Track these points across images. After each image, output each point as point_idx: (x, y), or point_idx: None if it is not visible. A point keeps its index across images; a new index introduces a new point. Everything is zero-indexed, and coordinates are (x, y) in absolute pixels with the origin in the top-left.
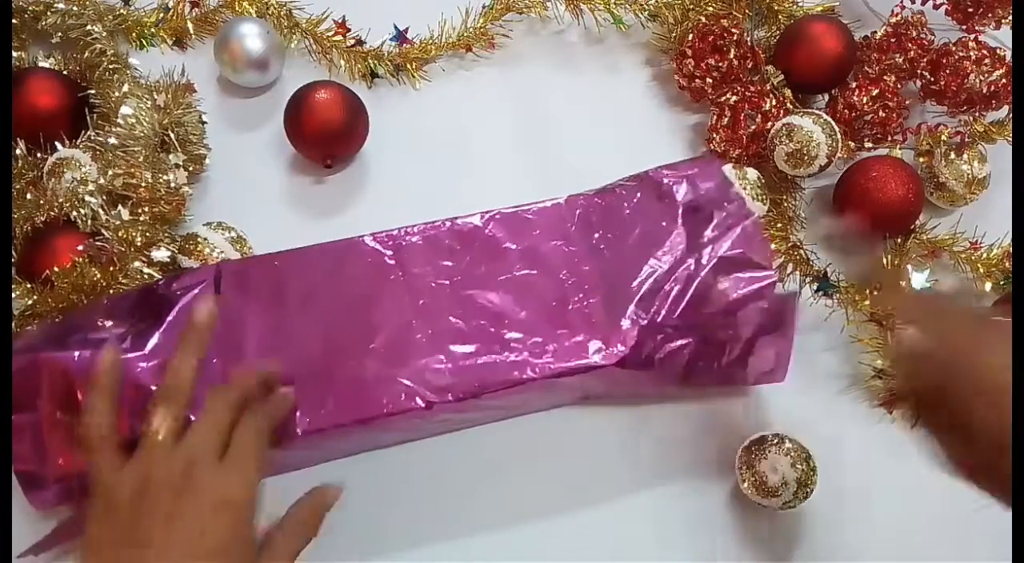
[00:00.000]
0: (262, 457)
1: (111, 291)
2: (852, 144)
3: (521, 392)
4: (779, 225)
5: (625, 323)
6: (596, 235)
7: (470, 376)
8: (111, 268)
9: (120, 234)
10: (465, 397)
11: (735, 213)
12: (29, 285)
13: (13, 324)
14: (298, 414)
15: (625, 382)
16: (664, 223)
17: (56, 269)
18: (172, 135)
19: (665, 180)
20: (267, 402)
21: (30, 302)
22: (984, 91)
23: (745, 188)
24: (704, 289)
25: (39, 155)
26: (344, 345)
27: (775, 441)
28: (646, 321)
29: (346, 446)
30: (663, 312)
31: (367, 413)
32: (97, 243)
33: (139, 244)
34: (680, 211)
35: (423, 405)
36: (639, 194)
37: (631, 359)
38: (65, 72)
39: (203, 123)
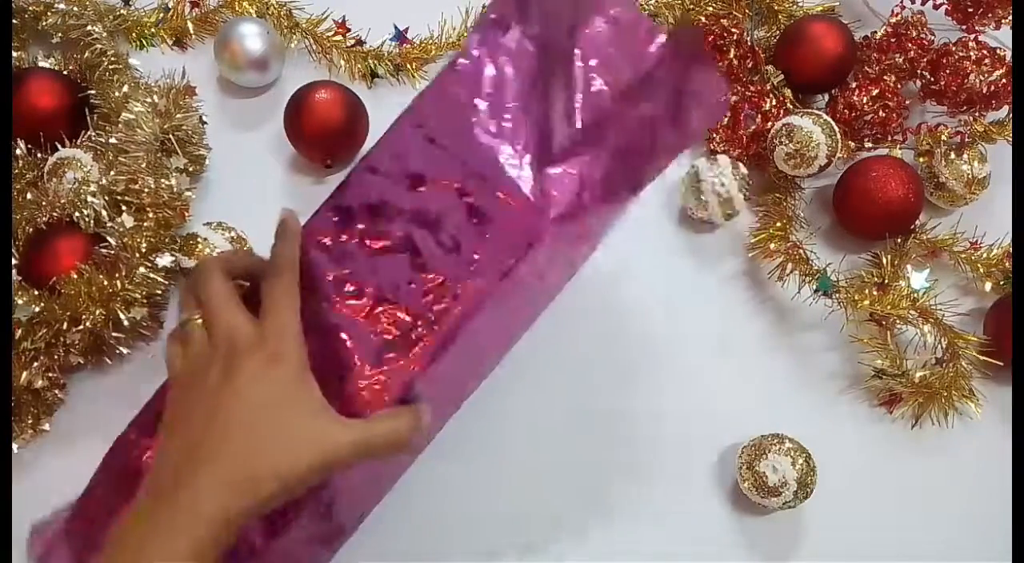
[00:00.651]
0: (294, 300)
1: (119, 297)
2: (852, 144)
3: (489, 315)
4: (778, 224)
5: (536, 181)
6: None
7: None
8: (116, 274)
9: (125, 241)
10: (440, 348)
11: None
12: (36, 292)
13: (20, 332)
14: None
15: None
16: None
17: (63, 277)
18: (173, 138)
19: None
20: (275, 244)
21: (37, 309)
22: (984, 91)
23: (735, 179)
24: (593, 87)
25: (39, 155)
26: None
27: (775, 441)
28: (558, 165)
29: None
30: (566, 142)
31: None
32: (103, 251)
33: (144, 250)
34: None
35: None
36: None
37: (565, 212)
38: (65, 72)
39: (203, 124)
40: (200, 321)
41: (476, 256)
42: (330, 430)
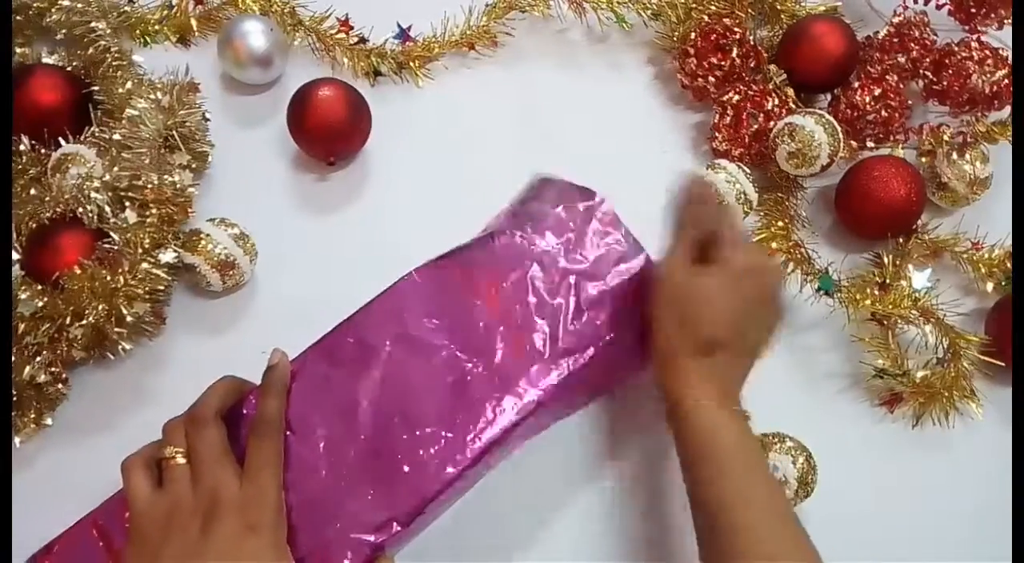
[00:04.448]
0: (277, 465)
1: (121, 293)
2: (854, 144)
3: (466, 477)
4: (780, 224)
5: (532, 364)
6: (464, 297)
7: (406, 494)
8: (119, 270)
9: (128, 236)
10: (413, 516)
11: (583, 213)
12: (39, 287)
13: (23, 327)
14: None
15: (558, 405)
16: (526, 261)
17: (66, 272)
18: (176, 135)
19: (511, 225)
20: (263, 397)
21: (40, 304)
22: (986, 91)
23: (735, 184)
24: (589, 297)
25: (43, 151)
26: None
27: (776, 440)
28: (548, 352)
29: None
30: (560, 335)
31: None
32: (106, 246)
33: (147, 246)
34: (535, 240)
35: (369, 552)
36: (486, 245)
37: (550, 395)
38: (69, 69)
39: (207, 120)
40: (183, 462)
41: (466, 426)
42: None
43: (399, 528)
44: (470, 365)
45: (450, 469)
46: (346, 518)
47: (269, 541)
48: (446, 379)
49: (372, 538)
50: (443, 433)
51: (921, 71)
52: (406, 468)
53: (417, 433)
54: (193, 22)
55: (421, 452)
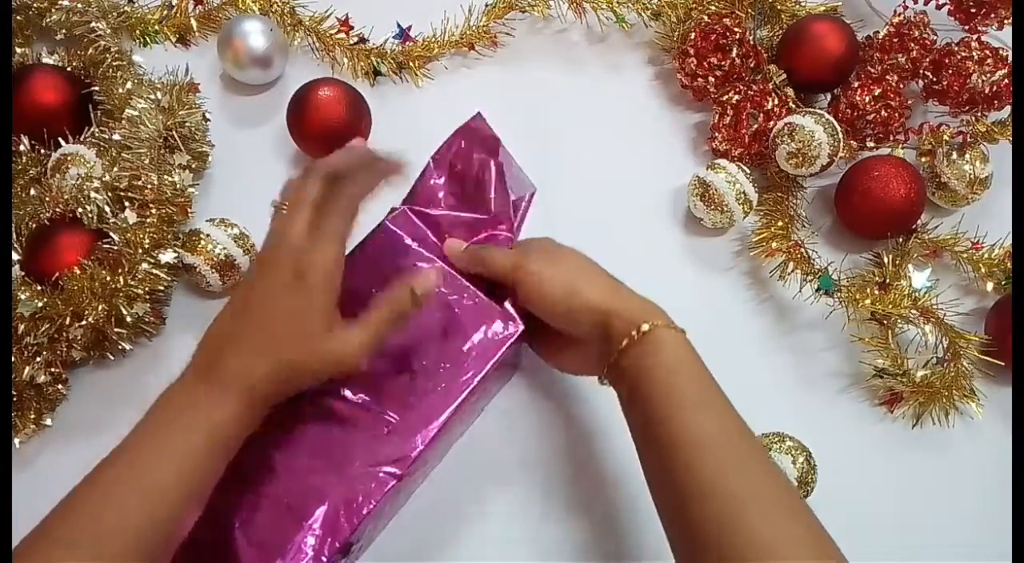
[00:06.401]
0: (344, 233)
1: (121, 293)
2: (854, 144)
3: (462, 413)
4: (780, 224)
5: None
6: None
7: (418, 421)
8: (119, 270)
9: (128, 237)
10: (426, 447)
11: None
12: (39, 287)
13: (23, 327)
14: None
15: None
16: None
17: (66, 273)
18: (176, 135)
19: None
20: (363, 175)
21: (40, 305)
22: (986, 91)
23: (735, 184)
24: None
25: (43, 151)
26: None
27: (776, 439)
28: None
29: None
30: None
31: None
32: (106, 246)
33: (146, 246)
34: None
35: (397, 476)
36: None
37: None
38: (69, 69)
39: (207, 121)
40: (285, 212)
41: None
42: (339, 340)
43: (421, 447)
44: (454, 297)
45: (467, 377)
46: (364, 456)
47: (311, 292)
48: (435, 316)
49: (394, 470)
50: (442, 365)
51: (921, 71)
52: (413, 402)
53: (415, 368)
54: (193, 22)
55: (430, 383)
